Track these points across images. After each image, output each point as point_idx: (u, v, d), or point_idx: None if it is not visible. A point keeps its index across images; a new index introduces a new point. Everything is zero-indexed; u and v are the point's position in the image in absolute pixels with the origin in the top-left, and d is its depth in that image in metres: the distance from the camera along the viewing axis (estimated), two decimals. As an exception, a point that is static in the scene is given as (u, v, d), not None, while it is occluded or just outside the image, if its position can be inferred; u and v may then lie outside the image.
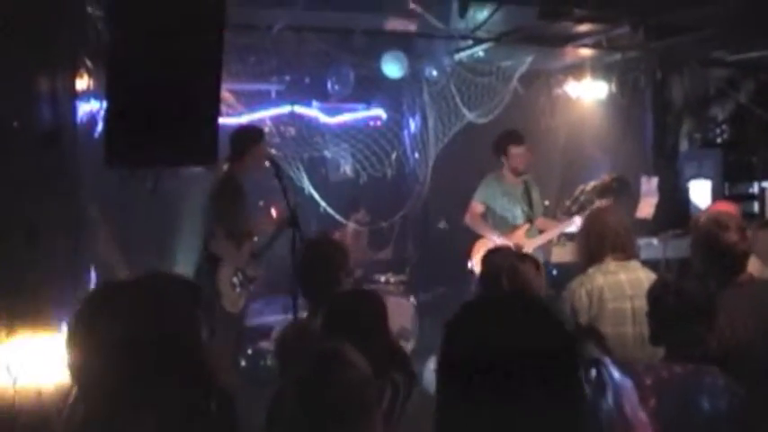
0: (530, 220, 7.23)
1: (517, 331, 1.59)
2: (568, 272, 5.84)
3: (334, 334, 3.82)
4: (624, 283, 4.23)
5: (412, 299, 8.28)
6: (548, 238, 7.10)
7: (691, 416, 2.98)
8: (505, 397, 1.54)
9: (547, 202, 7.79)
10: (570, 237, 6.86)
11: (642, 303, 3.51)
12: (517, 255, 4.23)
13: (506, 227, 7.14)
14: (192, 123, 4.36)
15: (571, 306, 4.18)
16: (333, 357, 2.48)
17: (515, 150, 7.22)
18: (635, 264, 4.39)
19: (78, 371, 1.92)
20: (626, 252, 4.37)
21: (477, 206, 7.28)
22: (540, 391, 1.54)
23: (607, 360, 1.93)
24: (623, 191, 8.27)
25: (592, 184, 8.42)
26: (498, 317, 1.64)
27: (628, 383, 1.90)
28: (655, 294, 3.38)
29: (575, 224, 6.73)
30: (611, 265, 4.31)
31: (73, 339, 1.93)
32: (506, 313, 1.64)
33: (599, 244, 4.35)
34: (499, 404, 1.54)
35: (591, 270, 4.32)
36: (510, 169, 7.27)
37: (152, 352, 1.89)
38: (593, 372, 1.88)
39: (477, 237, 7.28)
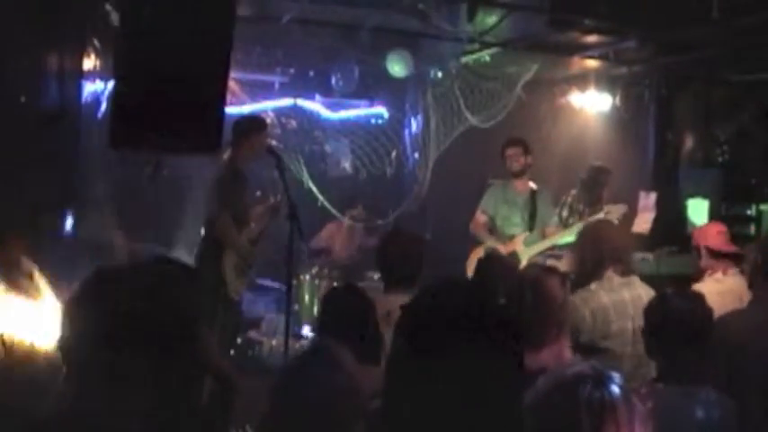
0: (529, 230, 7.20)
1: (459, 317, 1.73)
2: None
3: (325, 329, 3.84)
4: (627, 302, 4.16)
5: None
6: (545, 246, 7.07)
7: (684, 423, 3.00)
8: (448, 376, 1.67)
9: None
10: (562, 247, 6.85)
11: (641, 322, 3.50)
12: (543, 268, 4.17)
13: (504, 236, 7.14)
14: (197, 110, 4.35)
15: (572, 323, 4.08)
16: (321, 355, 2.45)
17: (509, 151, 7.25)
18: (635, 279, 4.34)
19: (71, 351, 1.91)
20: (626, 266, 4.33)
21: (480, 215, 7.30)
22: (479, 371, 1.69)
23: (612, 375, 1.93)
24: (600, 177, 8.29)
25: (573, 192, 8.44)
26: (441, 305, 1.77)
27: (626, 404, 1.91)
28: (650, 312, 3.37)
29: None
30: (614, 281, 4.25)
31: (68, 321, 1.92)
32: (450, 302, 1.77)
33: (597, 257, 4.30)
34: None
35: (593, 286, 4.24)
36: (508, 173, 7.27)
37: (148, 336, 1.89)
38: (596, 393, 1.89)
39: (473, 245, 7.27)
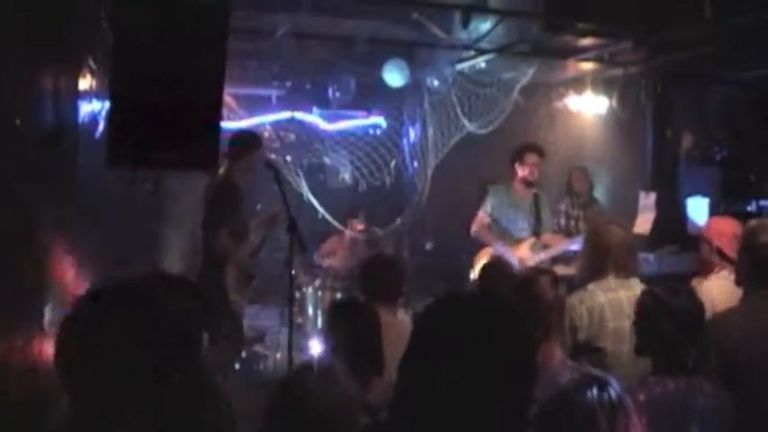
0: (535, 233, 7.19)
1: (475, 330, 1.71)
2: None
3: (332, 338, 3.86)
4: (623, 301, 4.16)
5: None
6: (551, 254, 7.06)
7: (684, 414, 3.02)
8: (459, 392, 1.65)
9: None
10: (575, 254, 6.84)
11: None
12: (535, 268, 4.20)
13: (510, 239, 7.12)
14: (194, 127, 4.36)
15: (570, 322, 4.09)
16: (319, 373, 2.49)
17: (529, 159, 7.17)
18: (634, 281, 4.32)
19: (68, 371, 1.88)
20: (627, 270, 4.32)
21: (483, 217, 7.24)
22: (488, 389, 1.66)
23: (611, 380, 1.94)
24: (571, 177, 8.33)
25: (566, 199, 8.50)
26: (460, 317, 1.75)
27: (628, 403, 1.92)
28: (642, 307, 3.38)
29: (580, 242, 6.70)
30: (611, 282, 4.26)
31: (64, 340, 1.90)
32: (467, 314, 1.76)
33: (602, 261, 4.30)
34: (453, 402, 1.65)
35: (591, 287, 4.26)
36: (521, 178, 7.22)
37: (147, 356, 1.86)
38: (604, 394, 1.89)
39: (478, 247, 7.26)
